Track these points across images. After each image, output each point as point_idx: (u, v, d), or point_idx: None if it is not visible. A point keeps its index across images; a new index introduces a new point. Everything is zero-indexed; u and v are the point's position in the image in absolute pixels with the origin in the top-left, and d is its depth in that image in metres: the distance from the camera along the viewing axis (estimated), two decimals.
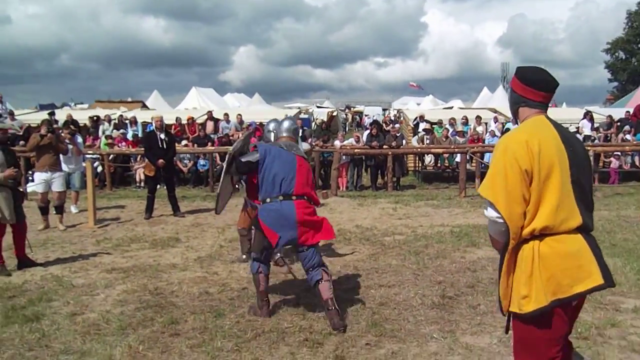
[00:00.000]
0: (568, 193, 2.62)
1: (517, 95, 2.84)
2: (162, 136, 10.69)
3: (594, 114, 18.48)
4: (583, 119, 17.83)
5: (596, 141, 16.61)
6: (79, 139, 11.75)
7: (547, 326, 2.59)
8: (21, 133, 17.05)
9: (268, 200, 5.04)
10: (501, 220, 2.57)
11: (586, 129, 17.03)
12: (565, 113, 21.39)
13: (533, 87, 2.79)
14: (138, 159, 15.78)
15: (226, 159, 5.32)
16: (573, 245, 2.59)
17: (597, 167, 15.19)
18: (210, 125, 18.61)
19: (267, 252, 5.24)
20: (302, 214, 4.96)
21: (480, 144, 16.24)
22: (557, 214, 2.57)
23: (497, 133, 16.78)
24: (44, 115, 18.54)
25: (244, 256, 7.27)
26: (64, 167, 10.56)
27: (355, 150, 15.17)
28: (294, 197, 5.01)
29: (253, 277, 5.30)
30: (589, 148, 14.39)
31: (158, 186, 11.20)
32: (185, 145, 16.46)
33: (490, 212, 2.62)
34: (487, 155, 15.75)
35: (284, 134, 5.59)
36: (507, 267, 2.66)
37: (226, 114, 19.02)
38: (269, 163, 5.06)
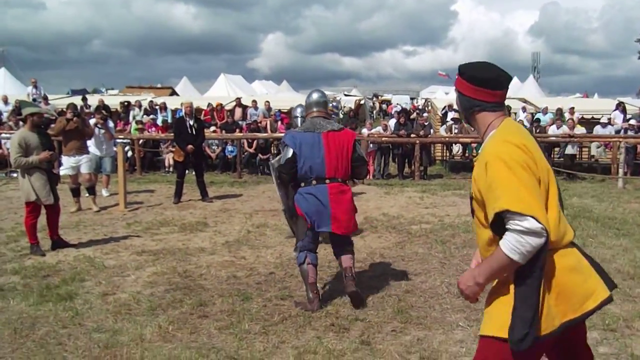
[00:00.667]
0: (558, 203, 2.35)
1: (468, 98, 2.45)
2: (191, 122, 10.78)
3: (626, 105, 18.11)
4: (615, 109, 17.46)
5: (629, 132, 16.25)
6: (111, 124, 11.93)
7: (539, 349, 2.31)
8: (55, 117, 17.38)
9: (302, 184, 5.07)
10: (543, 231, 2.13)
11: (618, 120, 16.71)
12: (597, 104, 21.06)
13: (487, 87, 2.41)
14: (167, 144, 15.97)
15: (273, 175, 5.28)
16: (574, 258, 2.35)
17: (631, 159, 14.91)
18: (238, 112, 18.72)
19: (310, 235, 5.15)
20: (334, 198, 4.98)
21: None
22: (560, 225, 2.30)
23: (526, 123, 16.55)
24: (76, 100, 18.85)
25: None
26: (96, 151, 10.76)
27: (383, 139, 15.14)
28: (327, 181, 5.01)
29: (300, 269, 5.20)
30: (621, 140, 14.16)
31: (187, 171, 11.33)
32: (214, 132, 16.59)
33: (533, 223, 2.12)
34: None
35: (314, 109, 5.31)
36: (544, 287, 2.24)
37: (254, 101, 19.13)
38: (299, 150, 5.01)
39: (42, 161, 6.94)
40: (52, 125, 14.49)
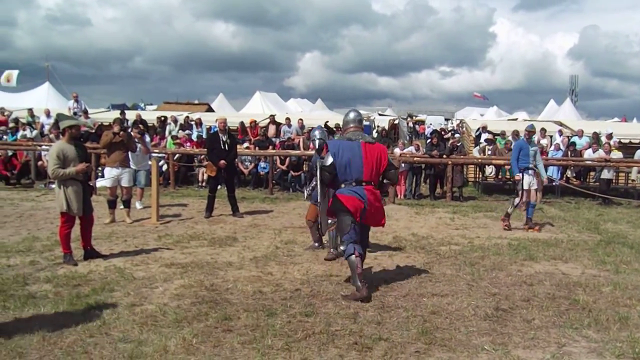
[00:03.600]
0: None
1: None
2: (225, 138, 10.94)
3: None
4: None
5: None
6: (147, 138, 12.19)
7: None
8: (93, 131, 17.80)
9: (343, 185, 5.92)
10: None
11: None
12: (635, 128, 20.65)
13: None
14: (201, 159, 16.19)
15: (317, 173, 5.97)
16: None
17: None
18: (272, 129, 18.89)
19: (354, 228, 5.91)
20: (371, 198, 5.88)
21: (544, 157, 15.82)
22: None
23: (562, 147, 16.34)
24: (115, 114, 19.29)
25: (316, 244, 8.16)
26: (131, 164, 11.01)
27: (415, 159, 15.08)
28: (364, 183, 5.92)
29: (349, 261, 5.87)
30: None
31: (219, 186, 11.46)
32: (247, 148, 16.76)
33: None
34: (550, 168, 15.39)
35: (351, 125, 6.24)
36: None
37: (288, 119, 19.29)
38: (340, 155, 5.89)
39: (79, 173, 7.12)
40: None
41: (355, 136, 6.11)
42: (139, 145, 11.12)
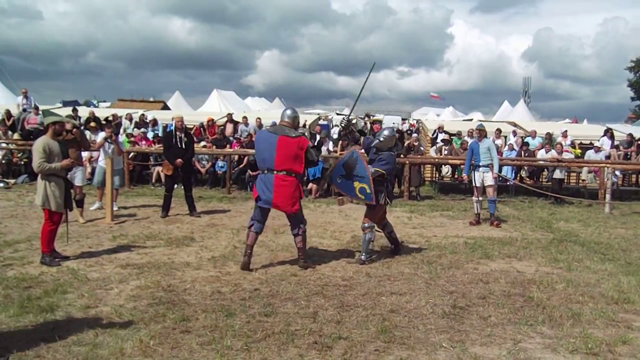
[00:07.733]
0: None
1: None
2: (181, 136, 10.77)
3: (614, 132, 18.31)
4: (603, 136, 17.68)
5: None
6: (120, 139, 11.92)
7: None
8: (43, 128, 17.28)
9: (259, 172, 6.81)
10: None
11: (606, 146, 16.87)
12: (586, 129, 21.27)
13: None
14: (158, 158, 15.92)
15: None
16: None
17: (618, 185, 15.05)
18: (229, 128, 18.73)
19: (258, 209, 6.82)
20: (278, 185, 6.58)
21: (499, 157, 16.13)
22: None
23: (515, 147, 16.70)
24: (67, 111, 18.78)
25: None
26: (104, 165, 10.73)
27: None
28: (275, 172, 6.62)
29: (247, 231, 6.97)
30: (608, 165, 14.25)
31: (175, 185, 11.29)
32: (204, 147, 16.57)
33: None
34: (504, 168, 15.71)
35: (285, 120, 6.90)
36: None
37: (245, 117, 19.16)
38: (258, 145, 6.91)
39: (64, 168, 7.11)
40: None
41: (277, 129, 6.81)
42: (111, 146, 10.86)
